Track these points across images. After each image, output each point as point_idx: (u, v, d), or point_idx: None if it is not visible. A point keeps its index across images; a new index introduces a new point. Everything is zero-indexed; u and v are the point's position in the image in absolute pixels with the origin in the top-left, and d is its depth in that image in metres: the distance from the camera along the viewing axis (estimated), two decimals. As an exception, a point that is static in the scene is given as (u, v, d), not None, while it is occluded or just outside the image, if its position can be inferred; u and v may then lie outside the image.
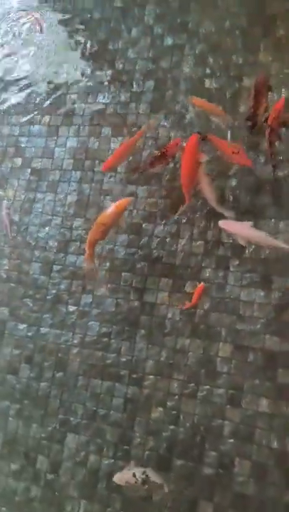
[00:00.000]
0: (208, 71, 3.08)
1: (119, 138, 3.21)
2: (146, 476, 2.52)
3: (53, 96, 3.47)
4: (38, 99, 3.51)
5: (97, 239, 2.81)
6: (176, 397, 2.73)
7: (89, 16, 3.53)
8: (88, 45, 3.47)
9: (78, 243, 3.17)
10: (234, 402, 2.62)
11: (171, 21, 3.26)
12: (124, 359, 2.89)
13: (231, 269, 2.78)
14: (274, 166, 2.68)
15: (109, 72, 3.35)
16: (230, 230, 2.65)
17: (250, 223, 2.59)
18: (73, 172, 3.29)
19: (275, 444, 2.48)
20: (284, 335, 2.60)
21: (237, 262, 2.77)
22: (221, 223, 2.65)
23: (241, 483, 2.52)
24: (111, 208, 2.75)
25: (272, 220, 2.72)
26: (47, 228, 3.28)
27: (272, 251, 2.65)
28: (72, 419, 2.93)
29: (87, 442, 2.86)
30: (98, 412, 2.88)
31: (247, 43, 3.01)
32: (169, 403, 2.74)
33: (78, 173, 3.28)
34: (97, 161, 3.24)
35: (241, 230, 2.59)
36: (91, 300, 3.05)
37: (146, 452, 2.72)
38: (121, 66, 3.33)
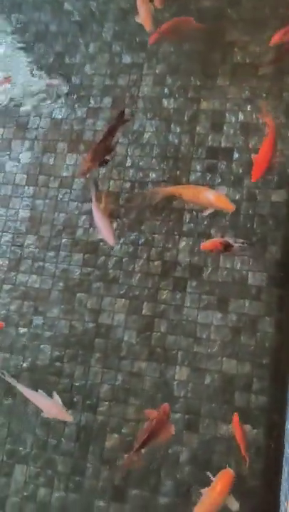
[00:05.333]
0: (166, 91, 3.08)
1: (75, 155, 3.13)
2: None
3: (6, 108, 3.33)
4: (-11, 110, 3.36)
5: (163, 194, 2.72)
6: (132, 423, 2.64)
7: (45, 28, 3.44)
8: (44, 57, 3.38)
9: (30, 261, 3.02)
10: (191, 427, 2.57)
11: (130, 40, 3.24)
12: (77, 384, 2.77)
13: (189, 290, 2.75)
14: None
15: (65, 86, 3.27)
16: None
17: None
18: (26, 187, 3.16)
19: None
20: (240, 357, 2.60)
21: (194, 284, 2.75)
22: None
23: None
24: (210, 195, 2.48)
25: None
26: (-4, 245, 3.11)
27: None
28: (20, 449, 2.75)
29: (37, 474, 2.70)
30: (49, 441, 2.72)
31: (205, 66, 3.04)
32: (124, 430, 2.64)
33: (31, 188, 3.15)
34: (52, 177, 3.13)
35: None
36: (43, 322, 2.91)
37: (100, 483, 2.60)
38: (78, 81, 3.26)
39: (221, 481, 2.20)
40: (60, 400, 2.62)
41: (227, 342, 2.64)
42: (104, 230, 2.70)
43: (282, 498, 1.75)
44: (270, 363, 2.54)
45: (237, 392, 2.55)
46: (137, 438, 2.38)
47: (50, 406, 2.60)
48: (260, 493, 2.40)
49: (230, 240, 2.49)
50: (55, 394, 2.65)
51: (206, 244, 2.54)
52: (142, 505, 2.52)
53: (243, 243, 2.50)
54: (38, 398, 2.65)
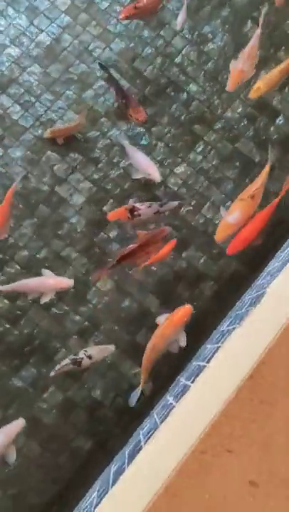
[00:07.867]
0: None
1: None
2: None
3: None
4: None
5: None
6: (30, 300, 2.44)
7: None
8: None
9: (22, 90, 2.63)
10: (84, 335, 2.43)
11: None
12: (-2, 236, 2.49)
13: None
14: None
15: None
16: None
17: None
18: (63, 14, 2.71)
19: (97, 393, 2.37)
20: (165, 301, 2.49)
21: (167, 213, 2.55)
22: None
23: (43, 409, 2.35)
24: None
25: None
26: (-3, 53, 2.66)
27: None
28: None
29: None
30: None
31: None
32: (19, 302, 2.44)
33: (67, 19, 2.72)
34: (94, 22, 2.72)
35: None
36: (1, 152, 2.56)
37: None
38: None
39: (180, 312, 2.14)
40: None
41: (163, 282, 2.51)
42: (147, 164, 2.40)
43: (141, 438, 1.69)
44: (191, 320, 2.45)
45: (144, 328, 2.44)
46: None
47: (44, 281, 2.30)
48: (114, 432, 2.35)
49: (139, 204, 2.28)
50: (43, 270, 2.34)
51: (112, 214, 2.34)
52: (-5, 374, 2.37)
53: (150, 205, 2.30)
54: (28, 285, 2.31)
